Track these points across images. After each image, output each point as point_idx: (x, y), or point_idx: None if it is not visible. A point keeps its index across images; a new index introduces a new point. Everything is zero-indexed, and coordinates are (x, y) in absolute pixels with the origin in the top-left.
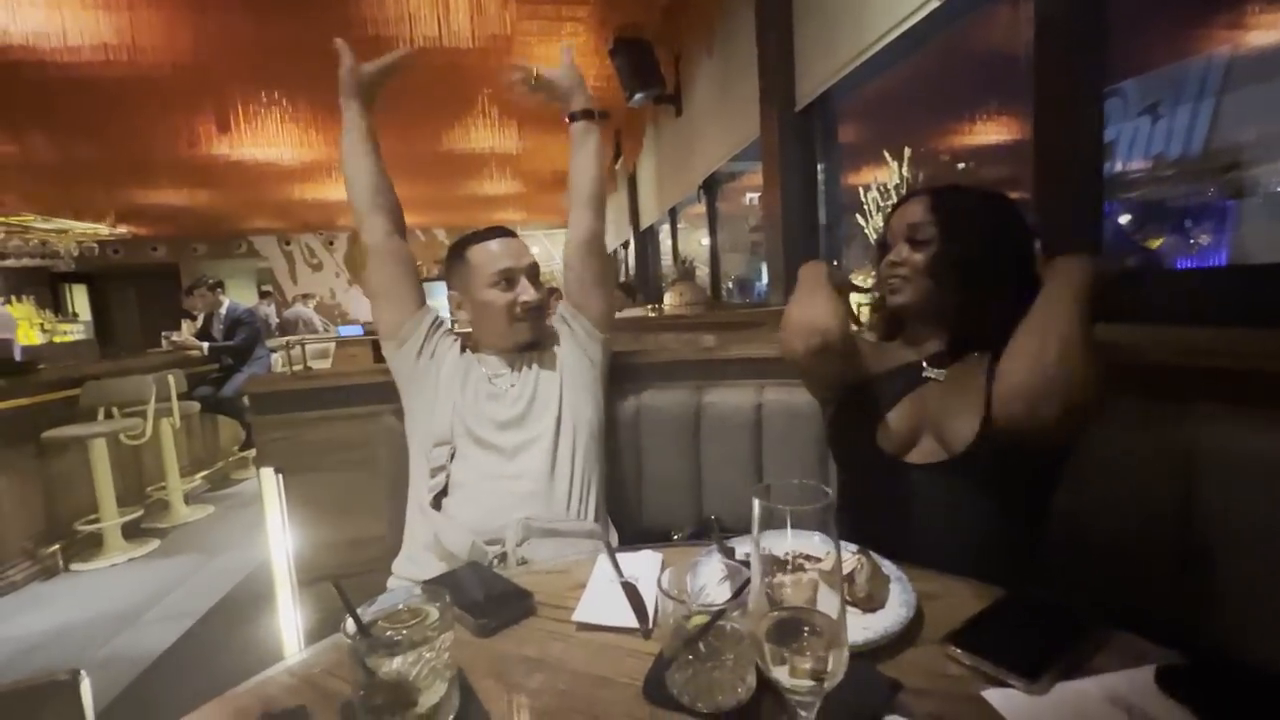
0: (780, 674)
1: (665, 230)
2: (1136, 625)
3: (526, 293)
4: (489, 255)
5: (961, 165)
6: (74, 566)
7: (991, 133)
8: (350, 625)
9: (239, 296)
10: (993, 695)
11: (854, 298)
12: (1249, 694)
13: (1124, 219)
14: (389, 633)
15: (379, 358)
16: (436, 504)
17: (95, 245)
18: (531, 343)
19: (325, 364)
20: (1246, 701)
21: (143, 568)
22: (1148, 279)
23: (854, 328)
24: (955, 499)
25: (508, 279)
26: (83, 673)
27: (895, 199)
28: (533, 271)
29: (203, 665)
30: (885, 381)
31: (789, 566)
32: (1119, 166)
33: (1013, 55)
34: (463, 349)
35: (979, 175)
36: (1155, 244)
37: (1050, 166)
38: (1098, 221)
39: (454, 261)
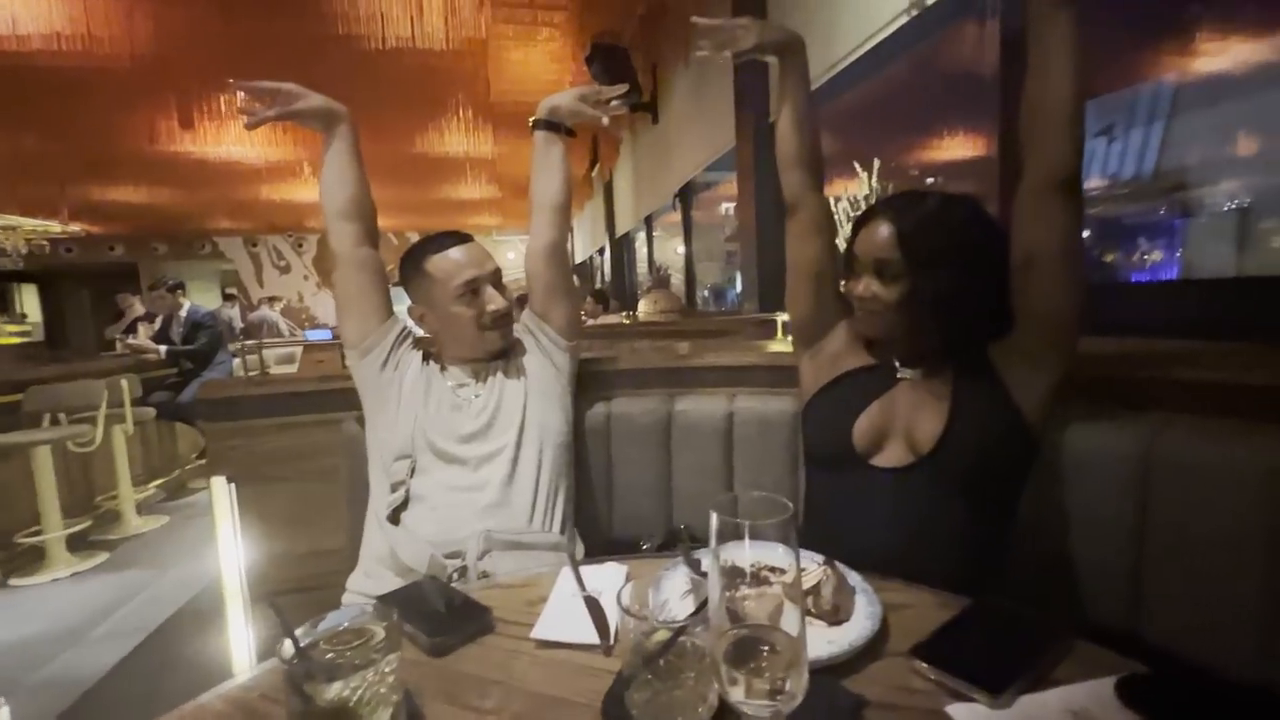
0: (737, 695)
1: (641, 238)
2: (1096, 633)
3: (494, 301)
4: (452, 266)
5: (930, 180)
6: (13, 581)
7: (958, 149)
8: (287, 648)
9: (203, 299)
10: (957, 711)
11: None
12: (1207, 704)
13: (1083, 234)
14: (329, 655)
15: None
16: (395, 518)
17: (45, 243)
18: (502, 350)
19: (291, 369)
20: (1205, 712)
21: (89, 582)
22: (1106, 292)
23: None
24: (923, 502)
25: (473, 290)
26: (2, 700)
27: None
28: (496, 277)
29: (148, 687)
30: (859, 379)
31: (751, 579)
32: None
33: (979, 75)
34: (425, 359)
35: (947, 190)
36: (1109, 258)
37: (1016, 182)
38: None
39: (412, 274)
